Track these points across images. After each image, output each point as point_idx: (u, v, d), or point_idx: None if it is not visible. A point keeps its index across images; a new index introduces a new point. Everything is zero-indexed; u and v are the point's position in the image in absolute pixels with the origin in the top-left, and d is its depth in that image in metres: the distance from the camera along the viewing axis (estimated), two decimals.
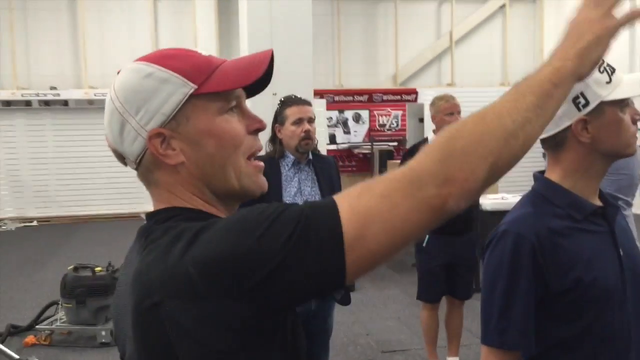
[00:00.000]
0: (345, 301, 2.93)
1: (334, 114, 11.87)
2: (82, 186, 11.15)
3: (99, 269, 4.76)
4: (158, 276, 0.80)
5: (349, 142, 11.89)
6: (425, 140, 3.84)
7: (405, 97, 12.14)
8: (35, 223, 10.80)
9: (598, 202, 1.42)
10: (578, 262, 1.32)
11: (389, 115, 12.17)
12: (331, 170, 2.94)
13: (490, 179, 0.81)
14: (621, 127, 1.36)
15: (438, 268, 3.76)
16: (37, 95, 10.68)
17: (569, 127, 1.36)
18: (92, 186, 11.11)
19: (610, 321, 1.33)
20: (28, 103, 10.66)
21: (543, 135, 1.39)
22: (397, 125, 12.12)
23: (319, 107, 6.43)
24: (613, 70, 1.35)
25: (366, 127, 12.02)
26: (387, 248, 0.79)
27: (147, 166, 0.93)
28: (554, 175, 1.41)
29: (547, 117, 0.86)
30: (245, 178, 0.93)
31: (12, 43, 10.93)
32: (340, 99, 11.94)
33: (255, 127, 0.96)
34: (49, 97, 10.75)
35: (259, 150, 0.97)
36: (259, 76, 0.91)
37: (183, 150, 0.91)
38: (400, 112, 12.04)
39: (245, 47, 3.43)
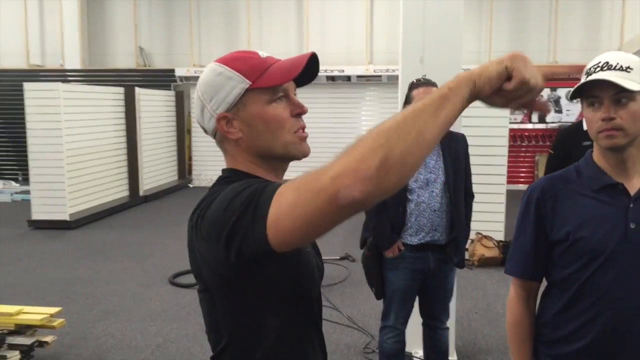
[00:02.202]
0: (460, 265, 3.23)
1: (545, 91, 11.44)
2: None
3: None
4: (194, 219, 1.17)
5: (559, 121, 11.39)
6: (580, 123, 3.80)
7: None
8: None
9: (634, 183, 1.59)
10: (574, 220, 1.61)
11: None
12: (459, 146, 3.21)
13: (385, 170, 0.87)
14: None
15: None
16: None
17: None
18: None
19: (595, 275, 1.57)
20: None
21: None
22: None
23: None
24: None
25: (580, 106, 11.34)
26: (297, 229, 0.95)
27: (219, 138, 1.25)
28: (594, 153, 1.67)
29: (439, 122, 0.93)
30: (290, 147, 1.22)
31: (248, 27, 12.55)
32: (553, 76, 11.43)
33: (297, 111, 1.23)
34: None
35: (303, 128, 1.24)
36: (295, 76, 1.18)
37: (241, 129, 1.21)
38: None
39: (400, 29, 3.84)
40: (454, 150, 3.19)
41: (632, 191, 1.58)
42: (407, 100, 3.14)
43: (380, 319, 3.35)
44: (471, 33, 11.98)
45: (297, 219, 0.93)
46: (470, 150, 6.37)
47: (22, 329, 3.88)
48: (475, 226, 6.50)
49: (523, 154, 11.66)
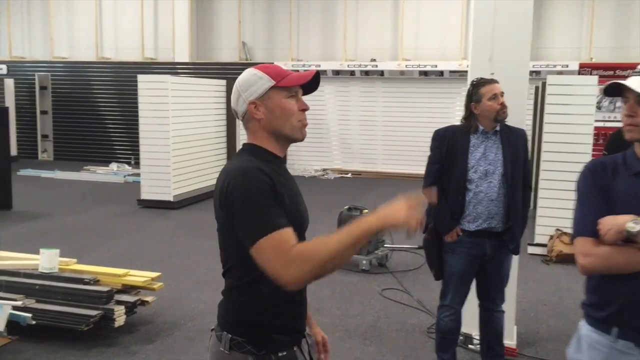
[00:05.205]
0: (515, 252, 3.44)
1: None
2: (388, 146, 12.82)
3: (365, 210, 5.92)
4: (221, 179, 1.68)
5: None
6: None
7: None
8: (349, 175, 12.80)
9: None
10: (615, 197, 1.86)
11: None
12: (518, 141, 3.40)
13: (315, 279, 1.55)
14: None
15: None
16: (360, 66, 12.51)
17: None
18: (395, 147, 12.69)
19: None
20: (352, 73, 12.57)
21: None
22: None
23: (588, 82, 6.44)
24: None
25: None
26: (264, 267, 1.57)
27: (247, 119, 1.77)
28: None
29: (352, 253, 1.58)
30: (295, 131, 1.76)
31: (345, 22, 12.94)
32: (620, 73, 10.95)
33: (302, 107, 1.77)
34: (369, 68, 12.51)
35: (305, 120, 1.77)
36: (305, 82, 1.75)
37: (264, 113, 1.73)
38: None
39: (471, 28, 4.05)
40: (513, 144, 3.39)
41: None
42: (475, 99, 3.31)
43: (439, 299, 3.62)
44: (571, 29, 11.70)
45: (267, 266, 1.57)
46: (552, 147, 6.50)
47: (127, 289, 4.50)
48: (555, 222, 6.57)
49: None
